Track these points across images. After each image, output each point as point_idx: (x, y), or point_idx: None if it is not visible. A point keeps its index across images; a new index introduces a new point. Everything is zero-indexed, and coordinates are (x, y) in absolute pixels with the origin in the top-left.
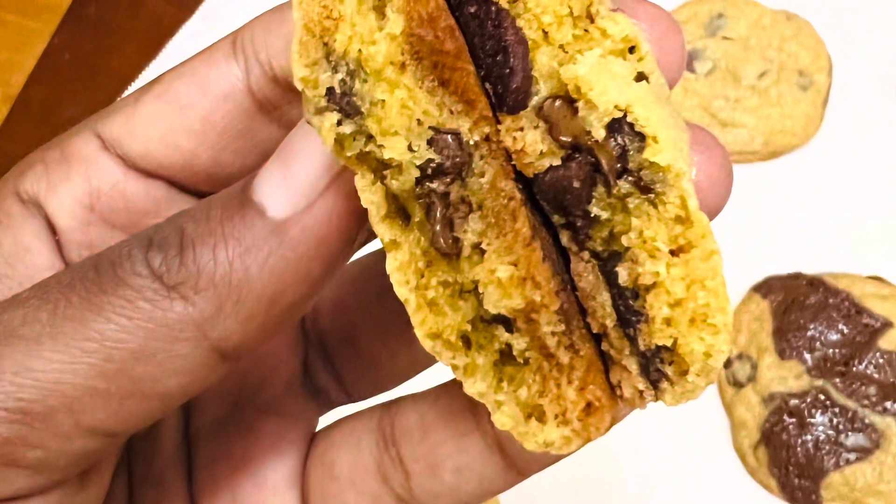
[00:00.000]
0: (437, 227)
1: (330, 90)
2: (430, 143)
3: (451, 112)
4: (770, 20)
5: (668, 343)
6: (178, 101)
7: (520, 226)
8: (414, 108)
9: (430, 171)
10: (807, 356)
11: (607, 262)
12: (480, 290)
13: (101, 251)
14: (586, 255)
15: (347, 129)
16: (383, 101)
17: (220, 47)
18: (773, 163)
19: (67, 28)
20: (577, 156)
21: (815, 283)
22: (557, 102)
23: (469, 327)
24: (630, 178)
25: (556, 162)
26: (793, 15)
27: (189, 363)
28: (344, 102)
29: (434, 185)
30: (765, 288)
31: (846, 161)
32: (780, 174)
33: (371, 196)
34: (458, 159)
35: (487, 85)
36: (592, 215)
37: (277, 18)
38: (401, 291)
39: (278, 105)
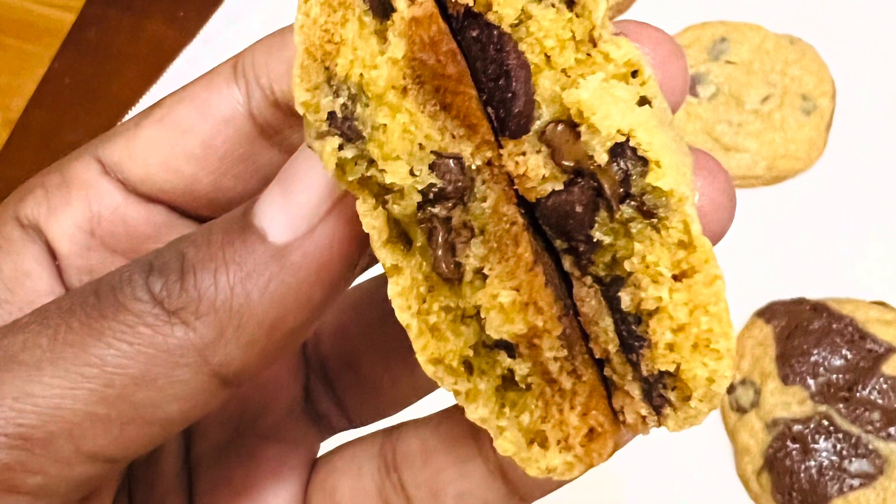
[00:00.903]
0: (439, 252)
1: (331, 114)
2: (431, 167)
3: (453, 136)
4: (773, 44)
5: (671, 368)
6: (178, 125)
7: (522, 251)
8: (416, 133)
9: (431, 195)
10: (810, 381)
11: (610, 287)
12: (482, 316)
13: (102, 276)
14: (589, 280)
15: (349, 153)
16: (385, 125)
17: (221, 72)
18: (776, 187)
19: (68, 52)
20: (579, 180)
21: (818, 308)
22: (560, 127)
23: (471, 353)
24: (633, 203)
25: (559, 186)
26: (796, 39)
27: (190, 389)
28: (345, 127)
29: (436, 210)
30: (768, 313)
31: (850, 186)
32: (784, 199)
33: (372, 221)
34: (459, 184)
35: (489, 109)
36: (595, 240)
37: (278, 42)
38: (402, 317)
39: (279, 129)
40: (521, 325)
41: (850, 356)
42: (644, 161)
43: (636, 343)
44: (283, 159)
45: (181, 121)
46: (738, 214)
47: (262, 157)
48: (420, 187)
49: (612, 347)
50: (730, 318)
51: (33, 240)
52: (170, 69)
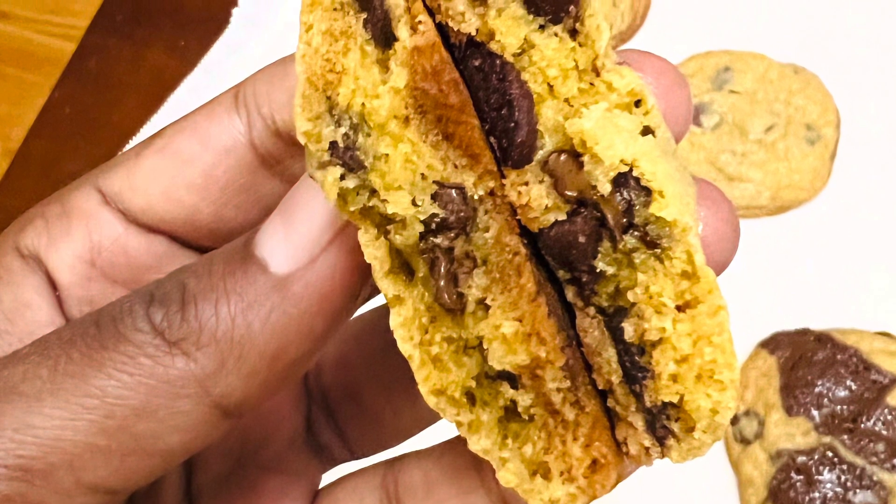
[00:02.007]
0: (441, 283)
1: (333, 144)
2: (434, 197)
3: (456, 166)
4: (777, 74)
5: (675, 399)
6: (179, 155)
7: (525, 281)
8: (418, 163)
9: (434, 225)
10: (814, 413)
11: (613, 317)
12: (485, 346)
13: (102, 307)
14: (592, 310)
15: (351, 183)
16: (387, 155)
17: (222, 101)
18: (780, 217)
19: (68, 82)
20: (582, 210)
21: (822, 338)
22: (563, 157)
23: (473, 383)
24: (636, 233)
25: (562, 217)
26: (800, 68)
27: (191, 420)
28: (347, 157)
29: (438, 240)
30: (772, 344)
31: (854, 216)
32: (788, 229)
33: (374, 251)
34: (462, 214)
35: (492, 139)
36: (598, 270)
37: (280, 72)
38: (405, 347)
39: (281, 159)
40: (524, 355)
41: (854, 387)
42: (647, 191)
43: (639, 374)
44: (284, 189)
45: (182, 151)
46: (741, 245)
47: (264, 186)
48: (422, 217)
49: (616, 378)
50: (733, 349)
51: (33, 270)
52: (171, 99)
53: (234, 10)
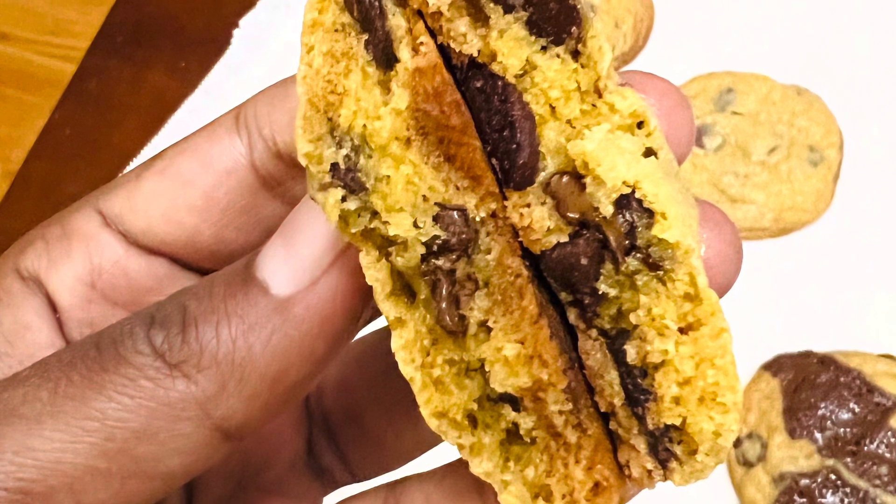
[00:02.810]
0: (443, 305)
1: (334, 166)
2: (435, 219)
3: (458, 188)
4: (780, 95)
5: (677, 422)
6: (180, 177)
7: (527, 303)
8: (419, 184)
9: (435, 247)
10: (817, 435)
11: (615, 339)
12: (487, 369)
13: (103, 329)
14: (594, 332)
15: (352, 205)
16: (388, 176)
17: (223, 122)
18: (783, 239)
19: (68, 103)
20: (584, 232)
21: (825, 361)
22: (565, 178)
23: (475, 406)
24: (638, 255)
25: (564, 238)
26: (803, 90)
27: (191, 443)
28: (348, 178)
29: (440, 262)
30: (775, 366)
31: (858, 238)
32: (791, 251)
33: (376, 273)
34: (464, 236)
35: (494, 160)
36: (600, 293)
37: (281, 93)
38: (406, 370)
39: (282, 181)
40: (526, 378)
41: (857, 410)
42: (650, 213)
43: (642, 396)
44: (285, 211)
45: (183, 172)
46: (744, 267)
47: (265, 208)
48: (424, 239)
49: (618, 401)
50: (736, 372)
51: (34, 292)
52: (171, 120)
53: (235, 32)
